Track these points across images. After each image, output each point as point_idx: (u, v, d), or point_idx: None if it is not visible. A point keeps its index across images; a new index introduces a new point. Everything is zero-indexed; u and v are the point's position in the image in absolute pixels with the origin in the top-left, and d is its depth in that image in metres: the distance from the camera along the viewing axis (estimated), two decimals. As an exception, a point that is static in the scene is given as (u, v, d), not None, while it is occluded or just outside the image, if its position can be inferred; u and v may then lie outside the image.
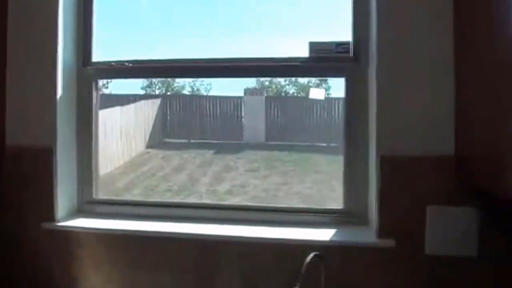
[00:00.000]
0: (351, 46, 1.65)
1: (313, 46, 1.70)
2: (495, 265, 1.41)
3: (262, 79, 5.75)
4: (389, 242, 1.47)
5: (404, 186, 1.49)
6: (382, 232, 1.51)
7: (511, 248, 1.40)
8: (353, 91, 1.68)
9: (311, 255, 1.30)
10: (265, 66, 1.78)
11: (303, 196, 3.79)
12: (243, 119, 5.45)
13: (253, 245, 1.57)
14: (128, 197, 4.28)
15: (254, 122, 5.33)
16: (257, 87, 5.77)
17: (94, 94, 2.21)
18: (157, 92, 6.09)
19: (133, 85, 5.47)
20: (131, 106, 5.14)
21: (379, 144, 1.54)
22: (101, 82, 2.30)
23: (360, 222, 1.63)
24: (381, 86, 1.51)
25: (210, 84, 5.84)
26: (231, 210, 1.75)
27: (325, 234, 1.54)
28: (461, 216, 1.40)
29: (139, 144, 5.19)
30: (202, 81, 5.90)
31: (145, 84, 5.87)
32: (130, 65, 2.03)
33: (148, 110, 5.45)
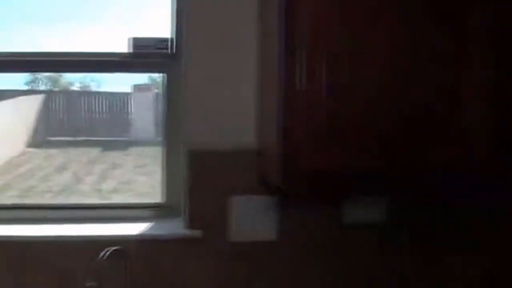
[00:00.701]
0: (172, 43, 1.68)
1: (134, 41, 1.69)
2: (294, 247, 1.53)
3: (153, 75, 5.67)
4: (197, 233, 1.52)
5: (210, 178, 1.55)
6: (191, 223, 1.55)
7: (307, 232, 1.52)
8: (172, 87, 1.71)
9: (107, 250, 1.31)
10: (85, 61, 1.74)
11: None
12: (131, 116, 5.35)
13: (64, 244, 1.54)
14: (0, 199, 4.02)
15: (142, 119, 5.25)
16: (148, 83, 5.68)
17: None
18: (42, 87, 5.74)
19: (15, 80, 5.06)
20: (10, 102, 4.78)
21: (187, 139, 1.58)
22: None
23: (176, 215, 1.67)
24: (189, 82, 1.55)
25: (99, 80, 5.63)
26: (39, 210, 1.71)
27: (137, 228, 1.55)
28: (262, 205, 1.50)
29: (18, 144, 4.87)
30: (92, 77, 5.67)
31: (28, 79, 5.48)
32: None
33: (29, 107, 5.13)
